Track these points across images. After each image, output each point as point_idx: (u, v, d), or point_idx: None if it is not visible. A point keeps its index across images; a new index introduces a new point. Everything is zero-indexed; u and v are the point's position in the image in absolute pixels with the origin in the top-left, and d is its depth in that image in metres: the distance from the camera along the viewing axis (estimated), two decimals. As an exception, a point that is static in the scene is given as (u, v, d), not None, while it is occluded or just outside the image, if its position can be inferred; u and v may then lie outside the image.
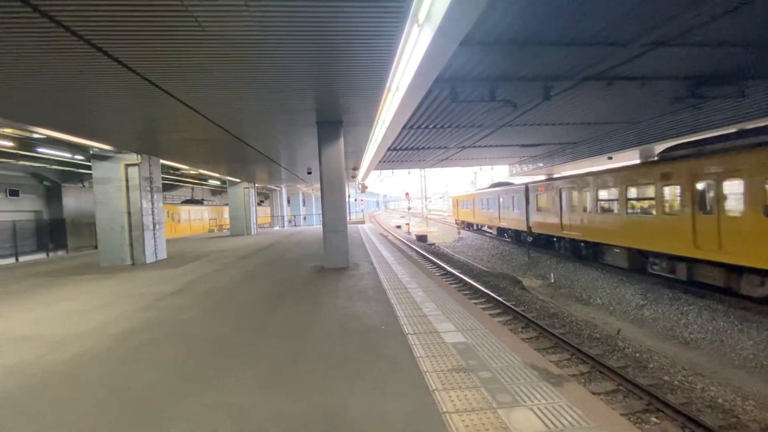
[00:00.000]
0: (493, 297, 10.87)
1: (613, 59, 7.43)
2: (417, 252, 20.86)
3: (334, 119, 8.93)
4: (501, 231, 23.29)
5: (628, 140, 14.83)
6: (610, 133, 15.48)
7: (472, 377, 3.65)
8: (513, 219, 19.95)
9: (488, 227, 26.24)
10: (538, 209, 16.77)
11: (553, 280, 13.86)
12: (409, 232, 33.61)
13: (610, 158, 17.22)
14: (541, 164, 22.39)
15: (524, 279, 14.19)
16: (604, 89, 9.21)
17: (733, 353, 7.20)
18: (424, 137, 15.44)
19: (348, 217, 28.31)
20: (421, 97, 8.16)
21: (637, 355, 7.25)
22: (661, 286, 10.67)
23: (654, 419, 5.23)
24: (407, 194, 49.76)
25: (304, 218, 39.19)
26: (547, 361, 4.24)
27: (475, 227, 29.69)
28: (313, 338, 4.91)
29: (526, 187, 17.53)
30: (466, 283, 12.91)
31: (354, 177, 24.58)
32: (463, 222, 32.39)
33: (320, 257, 10.44)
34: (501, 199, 21.56)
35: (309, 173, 17.91)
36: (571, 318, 9.53)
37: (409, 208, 52.92)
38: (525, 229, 17.67)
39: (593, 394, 5.79)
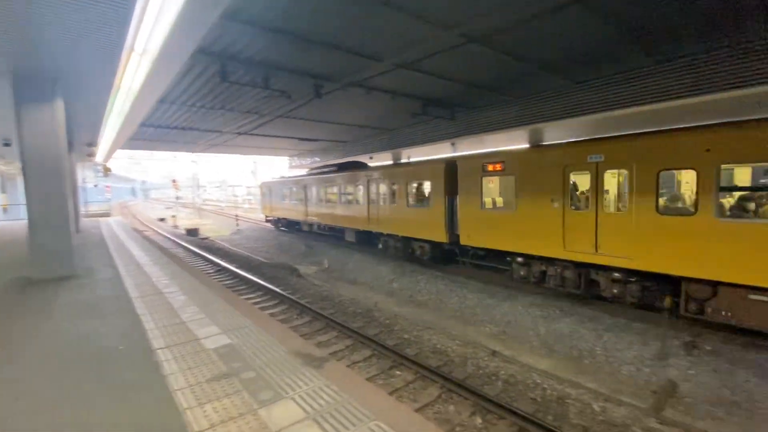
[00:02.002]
0: (270, 288, 10.74)
1: (371, 71, 8.55)
2: (185, 249, 18.29)
3: (44, 74, 6.49)
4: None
5: (384, 144, 17.67)
6: (372, 136, 18.01)
7: (233, 382, 3.38)
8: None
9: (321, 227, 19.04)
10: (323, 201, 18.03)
11: (326, 266, 15.01)
12: (176, 226, 29.10)
13: (371, 158, 20.05)
14: (317, 158, 23.75)
15: (301, 267, 14.76)
16: (365, 96, 10.51)
17: (447, 308, 9.76)
18: (192, 116, 13.51)
19: (80, 208, 21.72)
20: (180, 67, 7.01)
21: (388, 321, 8.74)
22: (403, 261, 13.31)
23: (397, 372, 6.41)
24: (174, 181, 42.93)
25: (4, 210, 27.66)
26: (312, 345, 4.45)
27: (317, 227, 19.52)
28: (17, 373, 3.42)
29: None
30: (241, 278, 12.24)
31: (91, 156, 19.02)
32: (280, 220, 23.68)
33: (24, 265, 7.47)
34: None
35: (6, 145, 12.56)
36: (340, 298, 10.55)
37: (177, 198, 45.93)
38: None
39: (354, 363, 6.60)
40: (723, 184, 6.11)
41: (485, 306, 9.17)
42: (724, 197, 6.56)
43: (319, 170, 19.30)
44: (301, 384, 3.34)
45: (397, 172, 13.13)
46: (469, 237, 10.42)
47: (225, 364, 3.71)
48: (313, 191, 18.79)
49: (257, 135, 16.73)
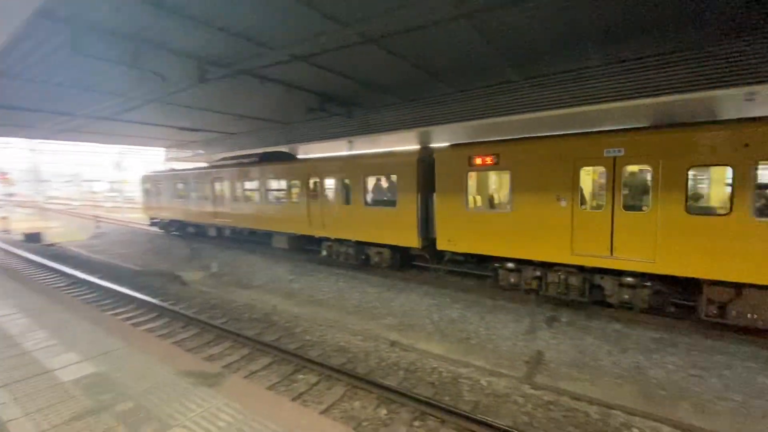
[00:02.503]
0: (145, 301, 9.32)
1: (264, 59, 8.02)
2: (24, 259, 14.70)
3: None
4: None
5: (280, 138, 16.85)
6: (266, 129, 16.99)
7: (104, 418, 2.81)
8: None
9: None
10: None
11: (215, 270, 13.70)
12: (7, 230, 23.19)
13: (288, 149, 18.51)
14: (201, 151, 21.43)
15: (185, 273, 13.17)
16: (258, 86, 9.83)
17: (348, 305, 9.81)
18: (33, 93, 10.83)
19: None
20: (14, 30, 5.54)
21: (288, 324, 8.40)
22: (304, 261, 12.96)
23: (301, 376, 6.20)
24: (4, 175, 34.01)
25: None
26: (203, 361, 4.00)
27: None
28: None
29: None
30: (107, 291, 10.36)
31: None
32: (173, 223, 19.49)
33: None
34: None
35: None
36: (233, 304, 9.74)
37: (10, 195, 36.72)
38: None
39: (253, 373, 6.16)
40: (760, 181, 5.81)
41: (384, 299, 9.50)
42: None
43: (234, 161, 15.71)
44: (194, 407, 2.96)
45: (351, 165, 11.15)
46: (451, 241, 9.00)
47: (90, 398, 3.07)
48: (226, 187, 15.47)
49: (123, 121, 14.32)
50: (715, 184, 8.17)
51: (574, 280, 7.58)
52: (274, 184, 13.91)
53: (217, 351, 6.99)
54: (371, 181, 10.90)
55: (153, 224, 21.40)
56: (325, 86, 10.41)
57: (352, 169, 11.12)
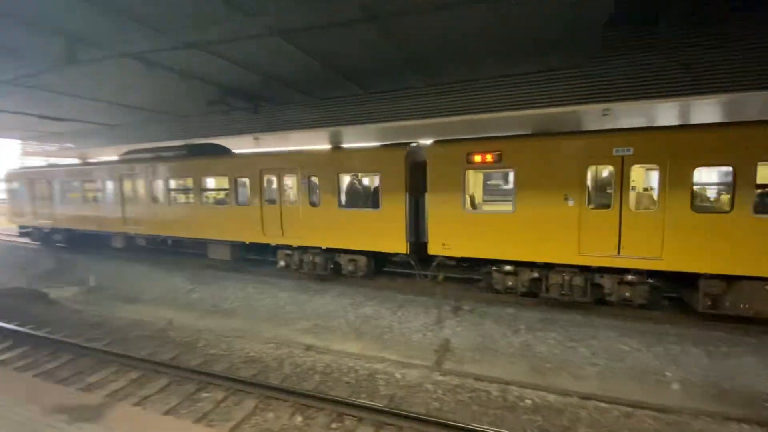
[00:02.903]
0: (-6, 327, 7.56)
1: (151, 43, 7.11)
2: None
3: None
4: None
5: (174, 132, 15.12)
6: (157, 122, 15.11)
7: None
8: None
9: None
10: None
11: (93, 284, 11.74)
12: None
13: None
14: (70, 144, 18.11)
15: (53, 290, 11.03)
16: (145, 73, 8.67)
17: (259, 312, 9.26)
18: None
19: None
20: None
21: (188, 339, 7.60)
22: (204, 267, 11.86)
23: (205, 394, 5.65)
24: None
25: None
26: (79, 392, 3.39)
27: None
28: None
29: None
30: (-66, 319, 8.13)
31: None
32: (59, 232, 15.65)
33: None
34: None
35: None
36: (118, 323, 8.47)
37: None
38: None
39: (145, 399, 5.43)
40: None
41: (298, 303, 9.23)
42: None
43: (152, 154, 13.12)
44: (67, 449, 2.48)
45: (322, 160, 9.83)
46: (445, 246, 8.41)
47: None
48: (142, 186, 12.95)
49: (-45, 105, 11.44)
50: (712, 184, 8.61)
51: (578, 280, 7.52)
52: (213, 182, 11.90)
53: (98, 378, 5.98)
54: (347, 180, 9.77)
55: (24, 234, 16.99)
56: (227, 78, 9.67)
57: (322, 166, 9.73)
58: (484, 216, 8.41)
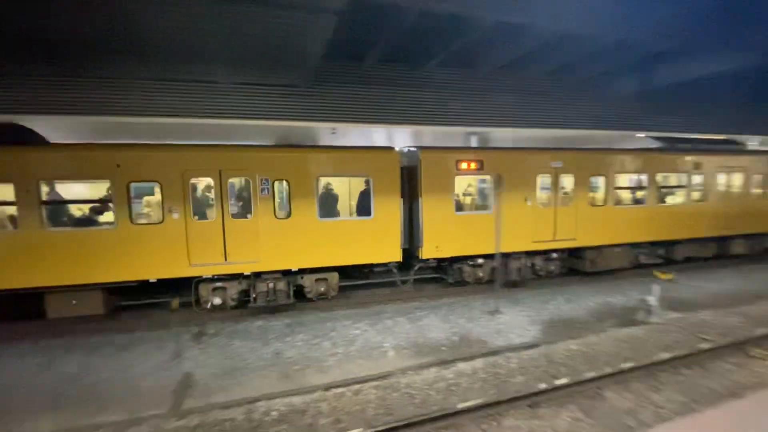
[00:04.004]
0: None
1: None
2: None
3: None
4: None
5: None
6: None
7: None
8: None
9: None
10: None
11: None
12: None
13: None
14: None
15: None
16: None
17: None
18: None
19: None
20: None
21: None
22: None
23: None
24: None
25: None
26: None
27: None
28: None
29: None
30: None
31: None
32: None
33: None
34: None
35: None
36: None
37: None
38: None
39: None
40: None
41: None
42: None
43: None
44: None
45: (294, 159, 8.13)
46: (438, 248, 8.98)
47: None
48: None
49: None
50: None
51: (530, 261, 10.15)
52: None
53: None
54: (322, 185, 8.42)
55: None
56: None
57: (293, 166, 8.04)
58: (471, 216, 9.46)
